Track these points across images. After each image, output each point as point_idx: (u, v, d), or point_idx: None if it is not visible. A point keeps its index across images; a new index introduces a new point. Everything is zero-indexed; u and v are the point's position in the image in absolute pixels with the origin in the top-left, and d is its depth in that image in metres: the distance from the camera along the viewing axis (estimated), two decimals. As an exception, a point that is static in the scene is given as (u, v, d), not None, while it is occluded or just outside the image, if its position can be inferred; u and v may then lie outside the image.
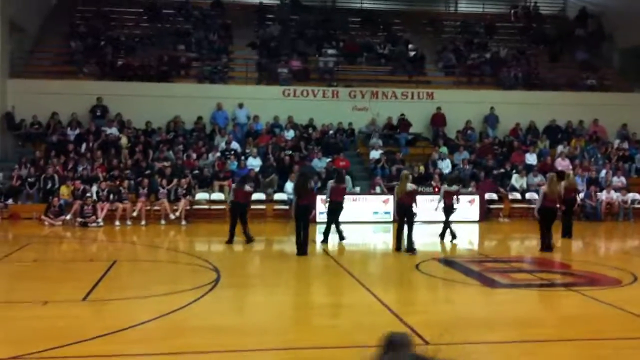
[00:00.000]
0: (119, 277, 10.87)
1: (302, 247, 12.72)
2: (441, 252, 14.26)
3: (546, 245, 13.71)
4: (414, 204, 13.33)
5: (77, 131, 21.79)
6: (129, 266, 12.16)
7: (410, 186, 13.36)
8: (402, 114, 23.74)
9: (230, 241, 14.10)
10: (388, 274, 11.92)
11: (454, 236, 15.01)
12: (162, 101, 22.48)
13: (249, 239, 14.12)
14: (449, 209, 14.97)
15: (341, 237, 14.79)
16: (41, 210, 18.11)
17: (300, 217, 12.85)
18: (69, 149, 20.70)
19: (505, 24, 30.13)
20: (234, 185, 15.67)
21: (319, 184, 19.85)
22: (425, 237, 15.22)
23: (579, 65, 27.08)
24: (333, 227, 14.71)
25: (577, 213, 20.17)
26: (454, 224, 15.32)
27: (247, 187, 14.84)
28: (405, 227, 13.32)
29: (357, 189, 20.39)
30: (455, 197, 15.00)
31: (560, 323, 8.13)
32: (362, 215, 18.56)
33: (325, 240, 14.44)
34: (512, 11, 30.88)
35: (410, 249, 13.17)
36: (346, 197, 15.41)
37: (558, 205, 14.48)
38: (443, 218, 15.10)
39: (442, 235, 15.13)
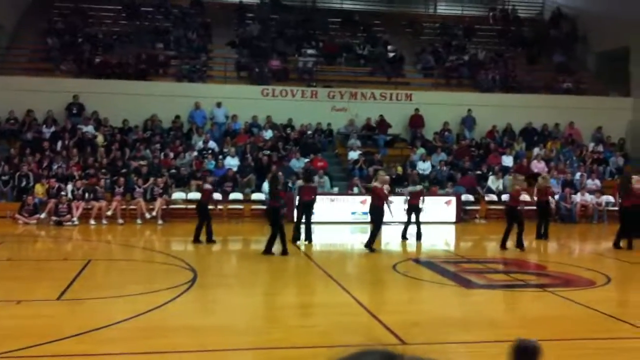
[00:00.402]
0: (94, 277, 10.78)
1: (268, 246, 12.62)
2: (417, 253, 14.33)
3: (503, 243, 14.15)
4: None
5: (53, 129, 21.54)
6: (104, 265, 12.06)
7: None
8: (381, 115, 23.81)
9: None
10: (365, 274, 11.94)
11: (419, 236, 15.16)
12: (139, 99, 22.31)
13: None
14: (414, 209, 15.10)
15: (308, 238, 14.51)
16: (15, 208, 17.88)
17: (269, 219, 12.85)
18: (44, 147, 20.47)
19: (484, 26, 30.38)
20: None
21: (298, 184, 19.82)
22: (400, 238, 15.28)
23: (556, 68, 27.39)
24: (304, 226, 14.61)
25: (552, 215, 20.43)
26: (425, 224, 15.49)
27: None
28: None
29: (335, 189, 20.42)
30: (421, 197, 15.12)
31: (534, 323, 8.20)
32: (339, 216, 18.59)
33: (296, 239, 14.36)
34: (491, 14, 31.15)
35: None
36: (317, 196, 15.33)
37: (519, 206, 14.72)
38: (405, 218, 15.32)
39: (404, 235, 15.31)
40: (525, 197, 16.15)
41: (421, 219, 15.38)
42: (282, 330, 7.64)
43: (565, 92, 25.91)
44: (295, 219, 14.91)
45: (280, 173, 15.29)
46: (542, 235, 15.95)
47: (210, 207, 15.01)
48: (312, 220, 14.67)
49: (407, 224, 15.32)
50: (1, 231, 15.95)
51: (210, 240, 14.11)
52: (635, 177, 14.89)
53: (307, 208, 14.52)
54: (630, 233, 14.38)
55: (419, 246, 14.87)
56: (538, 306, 9.43)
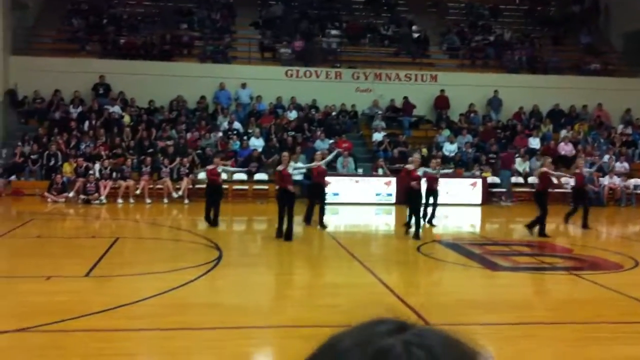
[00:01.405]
0: (122, 254, 10.92)
1: (287, 231, 12.19)
2: (443, 235, 14.28)
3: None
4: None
5: (80, 109, 21.76)
6: (131, 243, 12.20)
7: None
8: (406, 97, 23.65)
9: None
10: (389, 255, 11.94)
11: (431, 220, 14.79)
12: (164, 80, 22.40)
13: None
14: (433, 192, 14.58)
15: (307, 220, 14.21)
16: (44, 187, 18.15)
17: (279, 201, 12.48)
18: (71, 127, 20.70)
19: (510, 5, 29.90)
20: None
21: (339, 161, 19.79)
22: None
23: (583, 49, 26.95)
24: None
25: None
26: (450, 206, 15.32)
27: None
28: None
29: (360, 170, 20.40)
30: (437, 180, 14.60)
31: (560, 306, 8.16)
32: (364, 197, 18.58)
33: (307, 222, 14.15)
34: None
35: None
36: (327, 178, 15.11)
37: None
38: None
39: (430, 221, 14.74)
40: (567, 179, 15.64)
41: (442, 202, 15.13)
42: (305, 309, 7.68)
43: (593, 73, 25.49)
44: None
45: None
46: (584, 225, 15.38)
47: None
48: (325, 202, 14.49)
49: (426, 207, 14.77)
50: (30, 209, 16.22)
51: (214, 222, 13.78)
52: None
53: (319, 189, 14.37)
54: None
55: (429, 230, 14.44)
56: (564, 289, 9.37)
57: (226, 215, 14.53)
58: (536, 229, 13.55)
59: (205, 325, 6.72)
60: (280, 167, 12.55)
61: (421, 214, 13.56)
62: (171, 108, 22.52)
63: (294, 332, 6.74)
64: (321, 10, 27.06)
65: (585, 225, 14.74)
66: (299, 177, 17.70)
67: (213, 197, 13.77)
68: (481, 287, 9.39)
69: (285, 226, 12.11)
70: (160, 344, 6.26)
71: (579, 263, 11.06)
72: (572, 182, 15.51)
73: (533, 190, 19.62)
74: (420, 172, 13.11)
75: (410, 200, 13.10)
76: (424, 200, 14.09)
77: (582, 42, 27.37)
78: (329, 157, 14.88)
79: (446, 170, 14.87)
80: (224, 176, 15.57)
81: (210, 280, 8.89)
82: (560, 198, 18.25)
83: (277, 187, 12.80)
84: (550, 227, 14.65)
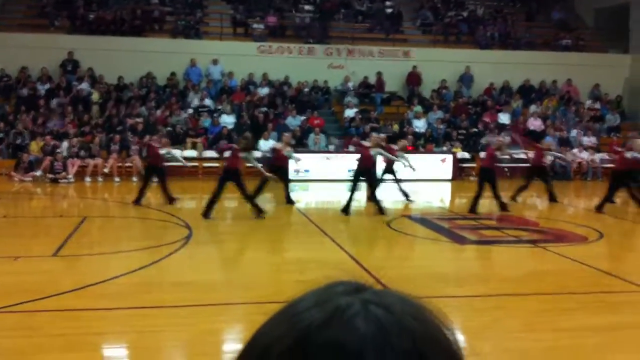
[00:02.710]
0: (90, 233, 10.84)
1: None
2: (412, 210, 14.40)
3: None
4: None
5: (48, 86, 21.39)
6: (99, 222, 12.12)
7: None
8: (379, 72, 23.63)
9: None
10: (360, 231, 12.03)
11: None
12: (135, 56, 22.05)
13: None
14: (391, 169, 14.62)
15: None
16: (11, 166, 17.87)
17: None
18: (39, 104, 20.35)
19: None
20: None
21: (293, 142, 19.80)
22: (396, 195, 15.30)
23: (555, 25, 27.13)
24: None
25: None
26: (420, 182, 15.46)
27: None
28: None
29: (331, 147, 20.41)
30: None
31: (526, 278, 8.31)
32: (335, 174, 18.61)
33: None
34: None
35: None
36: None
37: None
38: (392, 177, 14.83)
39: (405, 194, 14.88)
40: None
41: (414, 177, 15.31)
42: (276, 285, 7.72)
43: (564, 48, 25.70)
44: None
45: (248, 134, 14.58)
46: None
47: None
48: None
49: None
50: (-3, 189, 15.98)
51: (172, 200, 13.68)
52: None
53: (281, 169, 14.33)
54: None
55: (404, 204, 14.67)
56: (530, 261, 9.54)
57: (196, 193, 14.47)
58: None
59: (175, 303, 6.73)
60: (278, 146, 12.61)
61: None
62: (141, 85, 22.24)
63: (265, 308, 6.71)
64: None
65: (552, 199, 14.95)
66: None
67: (152, 178, 13.64)
68: (450, 261, 9.52)
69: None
70: (131, 323, 6.26)
71: (545, 236, 11.24)
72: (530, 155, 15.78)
73: (502, 165, 19.95)
74: (373, 152, 13.06)
75: (366, 178, 13.14)
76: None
77: (554, 18, 27.54)
78: (293, 155, 14.64)
79: (404, 162, 14.49)
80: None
81: (180, 258, 8.87)
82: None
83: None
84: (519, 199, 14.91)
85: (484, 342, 5.91)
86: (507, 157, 15.11)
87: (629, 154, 13.66)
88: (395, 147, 14.63)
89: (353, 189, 13.00)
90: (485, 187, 13.34)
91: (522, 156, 16.45)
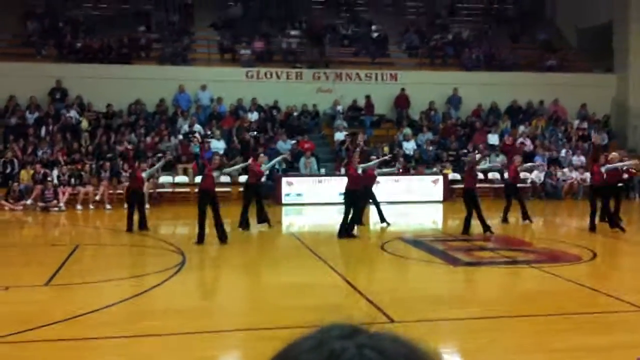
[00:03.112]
0: (82, 262, 10.76)
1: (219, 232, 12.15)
2: (406, 232, 14.40)
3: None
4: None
5: (37, 114, 21.33)
6: (92, 250, 12.03)
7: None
8: (368, 96, 23.76)
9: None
10: (353, 253, 11.99)
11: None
12: (123, 84, 22.08)
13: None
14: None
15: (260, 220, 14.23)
16: (1, 195, 17.75)
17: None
18: (28, 133, 20.28)
19: (467, 4, 30.29)
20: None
21: (284, 166, 19.88)
22: (389, 218, 15.31)
23: (539, 46, 27.44)
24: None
25: (539, 192, 20.63)
26: (412, 204, 15.46)
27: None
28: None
29: (322, 170, 20.45)
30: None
31: (521, 299, 8.30)
32: (327, 197, 18.62)
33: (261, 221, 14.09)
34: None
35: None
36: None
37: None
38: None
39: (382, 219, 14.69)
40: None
41: (404, 199, 15.34)
42: (270, 311, 7.67)
43: (549, 69, 25.98)
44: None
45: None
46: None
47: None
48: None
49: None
50: (-13, 218, 15.86)
51: (144, 227, 13.66)
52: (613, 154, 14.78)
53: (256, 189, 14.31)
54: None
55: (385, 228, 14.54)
56: (524, 282, 9.54)
57: (188, 219, 14.40)
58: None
59: (169, 330, 6.67)
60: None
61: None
62: (130, 112, 22.23)
63: (259, 334, 6.72)
64: (280, 10, 27.00)
65: (525, 217, 14.93)
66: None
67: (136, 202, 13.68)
68: (444, 283, 9.50)
69: None
70: (125, 352, 6.19)
71: (538, 256, 11.25)
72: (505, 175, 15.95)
73: (493, 186, 20.06)
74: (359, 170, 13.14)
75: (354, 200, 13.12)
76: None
77: (538, 39, 27.87)
78: (272, 162, 14.75)
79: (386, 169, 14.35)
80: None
81: (174, 285, 8.80)
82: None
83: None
84: (510, 221, 14.96)
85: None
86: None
87: (603, 168, 13.77)
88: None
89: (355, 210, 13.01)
90: (471, 208, 13.39)
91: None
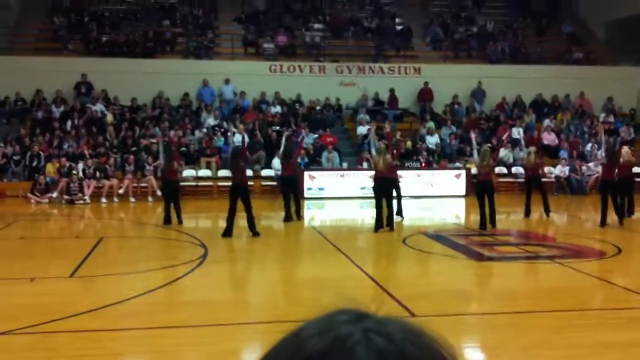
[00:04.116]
0: (107, 254, 10.89)
1: (229, 227, 11.98)
2: (428, 227, 14.35)
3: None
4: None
5: (62, 108, 21.62)
6: (116, 243, 12.18)
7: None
8: (392, 89, 23.68)
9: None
10: (375, 248, 12.00)
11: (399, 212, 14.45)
12: (147, 77, 22.27)
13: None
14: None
15: (298, 215, 14.32)
16: (27, 188, 18.03)
17: (230, 195, 12.29)
18: (54, 127, 20.57)
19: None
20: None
21: (306, 160, 19.89)
22: (411, 212, 15.30)
23: (565, 39, 27.11)
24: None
25: (564, 187, 20.40)
26: (435, 198, 15.26)
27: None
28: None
29: (345, 164, 20.44)
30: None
31: (543, 294, 8.24)
32: (349, 191, 18.62)
33: (287, 218, 14.09)
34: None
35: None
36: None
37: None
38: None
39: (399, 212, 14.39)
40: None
41: (427, 193, 15.16)
42: (292, 304, 7.71)
43: (575, 62, 25.66)
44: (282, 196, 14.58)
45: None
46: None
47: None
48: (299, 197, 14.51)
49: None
50: (14, 210, 16.12)
51: (172, 221, 13.58)
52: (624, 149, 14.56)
53: (291, 182, 14.38)
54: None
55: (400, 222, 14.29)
56: (547, 278, 9.46)
57: (211, 212, 14.51)
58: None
59: (192, 322, 6.73)
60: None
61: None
62: (154, 106, 22.42)
63: (282, 327, 6.74)
64: (304, 3, 27.01)
65: (546, 212, 14.76)
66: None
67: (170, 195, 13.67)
68: (466, 278, 9.46)
69: None
70: (148, 343, 6.27)
71: (562, 251, 11.15)
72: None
73: (516, 180, 19.86)
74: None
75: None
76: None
77: (564, 32, 27.54)
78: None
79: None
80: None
81: (197, 277, 8.89)
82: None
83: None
84: (533, 215, 14.84)
85: (500, 359, 5.87)
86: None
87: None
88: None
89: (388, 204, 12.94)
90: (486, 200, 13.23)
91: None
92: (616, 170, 13.62)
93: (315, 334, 0.74)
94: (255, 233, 12.02)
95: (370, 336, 0.72)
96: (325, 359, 0.70)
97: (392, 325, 0.76)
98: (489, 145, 16.15)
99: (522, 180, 18.98)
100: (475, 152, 14.33)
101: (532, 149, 15.36)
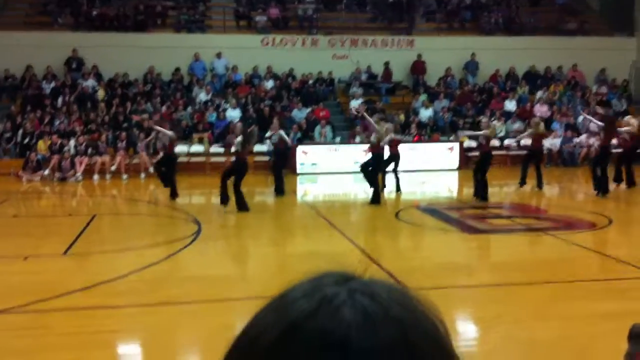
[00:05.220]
0: (100, 231, 10.89)
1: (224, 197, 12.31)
2: (420, 200, 14.39)
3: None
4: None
5: (53, 84, 21.42)
6: (109, 220, 12.17)
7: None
8: (387, 62, 23.53)
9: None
10: (368, 222, 12.04)
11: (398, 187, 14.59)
12: (139, 52, 22.05)
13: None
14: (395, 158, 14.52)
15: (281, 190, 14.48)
16: (18, 165, 17.93)
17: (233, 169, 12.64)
18: (45, 103, 20.39)
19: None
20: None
21: (299, 135, 19.84)
22: (404, 186, 15.29)
23: (560, 9, 26.94)
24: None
25: (555, 159, 20.44)
26: (427, 172, 15.39)
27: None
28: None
29: (338, 139, 20.39)
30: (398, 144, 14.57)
31: (536, 266, 8.30)
32: (342, 166, 18.60)
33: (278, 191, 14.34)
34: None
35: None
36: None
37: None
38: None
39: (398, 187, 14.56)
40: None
41: (419, 167, 15.31)
42: (286, 279, 7.71)
43: (569, 33, 25.52)
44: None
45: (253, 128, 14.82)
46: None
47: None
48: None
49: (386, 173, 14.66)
50: (5, 188, 16.03)
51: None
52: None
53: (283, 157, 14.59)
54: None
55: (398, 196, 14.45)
56: (539, 249, 9.53)
57: (204, 189, 14.50)
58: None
59: (186, 299, 6.76)
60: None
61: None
62: (145, 81, 22.24)
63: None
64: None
65: (522, 183, 14.91)
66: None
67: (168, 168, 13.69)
68: (459, 251, 9.52)
69: None
70: (142, 320, 6.29)
71: (553, 223, 11.20)
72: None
73: (508, 153, 19.86)
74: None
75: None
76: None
77: (558, 2, 27.35)
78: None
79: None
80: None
81: (190, 254, 8.90)
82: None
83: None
84: (526, 188, 14.90)
85: (494, 331, 5.92)
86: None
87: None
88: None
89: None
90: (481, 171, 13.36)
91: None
92: (614, 139, 13.81)
93: (301, 296, 0.75)
94: (243, 209, 12.06)
95: (356, 296, 0.72)
96: (311, 319, 0.70)
97: (378, 286, 0.76)
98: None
99: (514, 153, 19.01)
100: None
101: (537, 119, 15.49)
